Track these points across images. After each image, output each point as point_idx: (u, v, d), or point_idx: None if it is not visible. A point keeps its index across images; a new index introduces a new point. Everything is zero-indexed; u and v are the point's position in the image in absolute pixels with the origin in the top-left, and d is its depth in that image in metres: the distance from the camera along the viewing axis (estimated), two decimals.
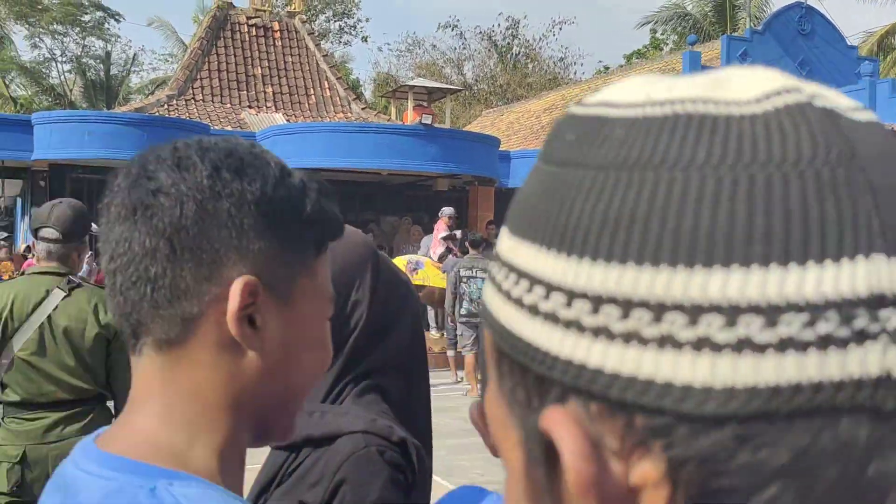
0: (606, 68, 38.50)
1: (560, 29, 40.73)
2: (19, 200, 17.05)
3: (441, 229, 11.90)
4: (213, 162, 0.71)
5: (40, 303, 3.07)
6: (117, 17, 37.94)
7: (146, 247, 0.69)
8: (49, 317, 3.04)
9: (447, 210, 12.28)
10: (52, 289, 3.08)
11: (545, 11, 59.51)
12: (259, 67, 18.01)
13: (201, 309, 0.70)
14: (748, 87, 0.34)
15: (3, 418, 3.13)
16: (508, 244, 0.37)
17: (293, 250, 0.74)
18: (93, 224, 3.27)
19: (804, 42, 19.52)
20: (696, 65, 18.56)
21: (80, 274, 10.40)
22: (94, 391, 3.13)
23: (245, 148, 0.75)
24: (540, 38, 38.52)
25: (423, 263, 11.25)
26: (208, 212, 0.69)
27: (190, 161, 0.71)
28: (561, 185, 0.35)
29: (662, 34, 33.98)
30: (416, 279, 10.60)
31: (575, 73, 38.61)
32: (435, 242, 11.78)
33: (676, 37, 31.67)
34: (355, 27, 39.89)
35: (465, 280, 9.61)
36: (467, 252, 10.50)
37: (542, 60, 38.20)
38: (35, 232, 3.14)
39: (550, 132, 0.40)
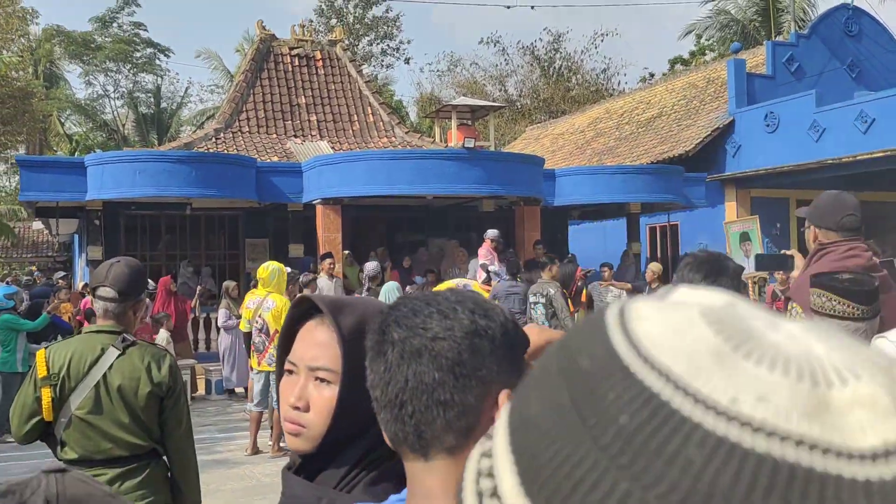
0: (651, 75, 38.19)
1: (602, 40, 40.46)
2: (76, 238, 17.51)
3: (484, 252, 11.87)
4: (467, 309, 0.97)
5: (96, 361, 3.13)
6: (167, 53, 38.86)
7: (435, 379, 0.93)
8: (104, 375, 3.11)
9: (491, 233, 12.26)
10: (107, 347, 3.14)
11: (589, 24, 59.34)
12: (303, 97, 18.24)
13: (479, 420, 0.93)
14: (867, 425, 0.30)
15: None
16: None
17: (519, 365, 0.99)
18: (150, 281, 3.37)
19: (852, 44, 19.11)
20: (740, 72, 18.30)
21: None
22: (149, 447, 3.18)
23: (473, 296, 1.02)
24: (582, 51, 38.40)
25: (471, 286, 11.30)
26: (475, 347, 0.94)
27: (451, 310, 0.96)
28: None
29: (707, 40, 33.59)
30: None
31: (619, 83, 38.39)
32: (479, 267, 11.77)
33: (721, 42, 31.26)
34: (398, 49, 40.21)
35: (532, 305, 9.59)
36: (515, 275, 10.48)
37: (585, 73, 38.05)
38: (93, 290, 3.22)
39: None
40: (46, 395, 3.12)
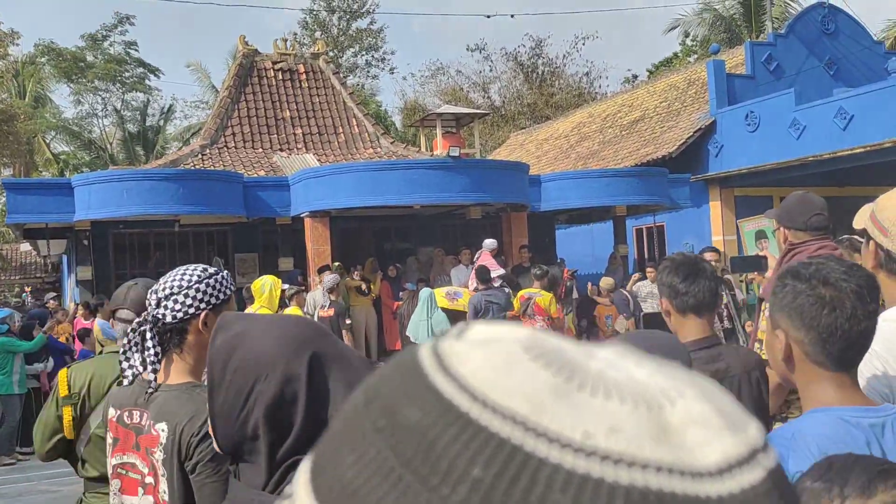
0: (635, 76, 38.42)
1: (583, 44, 40.75)
2: (65, 258, 17.52)
3: (490, 262, 11.86)
4: None
5: (115, 381, 3.15)
6: (157, 74, 38.87)
7: None
8: None
9: (489, 243, 12.29)
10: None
11: (571, 29, 59.56)
12: (287, 110, 18.33)
13: None
14: (704, 442, 0.31)
15: (84, 493, 3.24)
16: None
17: None
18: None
19: (829, 41, 19.34)
20: (720, 73, 18.49)
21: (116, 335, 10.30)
22: None
23: None
24: (564, 56, 38.60)
25: (462, 293, 11.47)
26: None
27: None
28: None
29: (692, 41, 33.75)
30: (458, 306, 10.93)
31: (600, 86, 38.62)
32: (472, 275, 11.84)
33: (706, 43, 31.51)
34: (383, 59, 40.39)
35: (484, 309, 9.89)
36: (486, 281, 10.64)
37: (567, 77, 38.28)
38: (113, 313, 3.26)
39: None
40: (67, 413, 3.18)
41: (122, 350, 2.34)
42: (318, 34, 37.02)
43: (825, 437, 1.52)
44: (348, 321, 11.84)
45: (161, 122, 38.42)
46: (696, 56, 32.52)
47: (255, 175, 15.32)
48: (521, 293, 9.20)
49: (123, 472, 2.39)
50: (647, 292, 12.74)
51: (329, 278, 11.44)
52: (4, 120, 28.23)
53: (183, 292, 2.34)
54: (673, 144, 18.33)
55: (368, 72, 40.46)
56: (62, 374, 3.28)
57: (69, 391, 3.21)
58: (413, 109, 37.22)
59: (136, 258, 15.00)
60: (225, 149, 17.26)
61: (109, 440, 2.45)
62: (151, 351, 2.30)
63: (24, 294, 23.77)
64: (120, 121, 37.19)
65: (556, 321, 9.89)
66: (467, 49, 41.36)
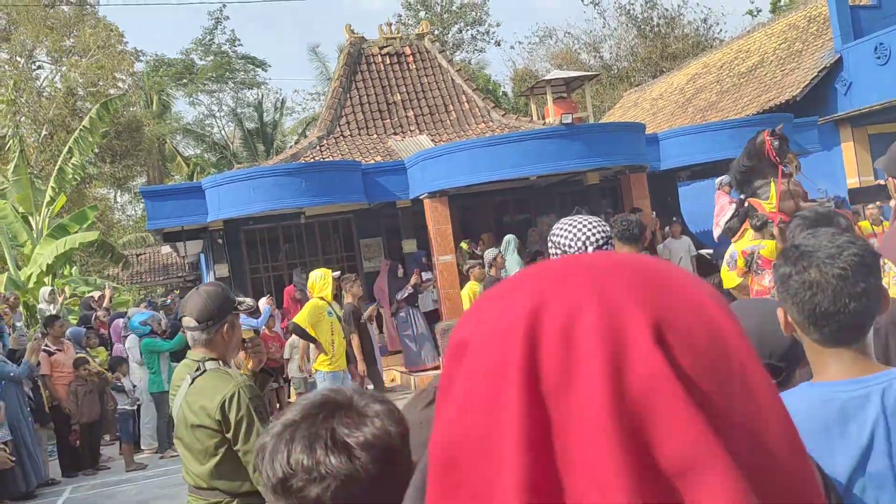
0: (759, 10, 36.86)
1: None
2: (202, 257, 18.38)
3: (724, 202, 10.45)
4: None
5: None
6: (264, 67, 40.08)
7: None
8: (181, 405, 3.14)
9: (724, 179, 10.64)
10: (190, 375, 3.18)
11: None
12: (398, 93, 18.54)
13: None
14: None
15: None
16: None
17: None
18: (241, 298, 3.47)
19: None
20: (843, 6, 17.51)
21: (260, 320, 10.76)
22: (207, 486, 3.08)
23: None
24: (679, 6, 37.31)
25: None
26: None
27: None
28: None
29: None
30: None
31: (720, 31, 37.18)
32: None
33: None
34: (488, 32, 40.24)
35: None
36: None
37: (683, 26, 37.02)
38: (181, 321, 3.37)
39: None
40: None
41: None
42: (421, 14, 37.18)
43: (798, 412, 1.48)
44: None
45: (277, 117, 39.58)
46: None
47: (372, 161, 15.61)
48: (740, 248, 8.28)
49: None
50: None
51: (489, 251, 12.06)
52: (134, 129, 29.82)
53: None
54: (796, 87, 17.50)
55: (475, 46, 40.38)
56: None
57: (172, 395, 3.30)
58: (523, 77, 36.90)
59: (266, 252, 15.59)
60: (341, 137, 17.64)
61: None
62: None
63: (175, 295, 25.11)
64: (237, 119, 38.53)
65: None
66: (582, 2, 40.26)
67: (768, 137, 8.36)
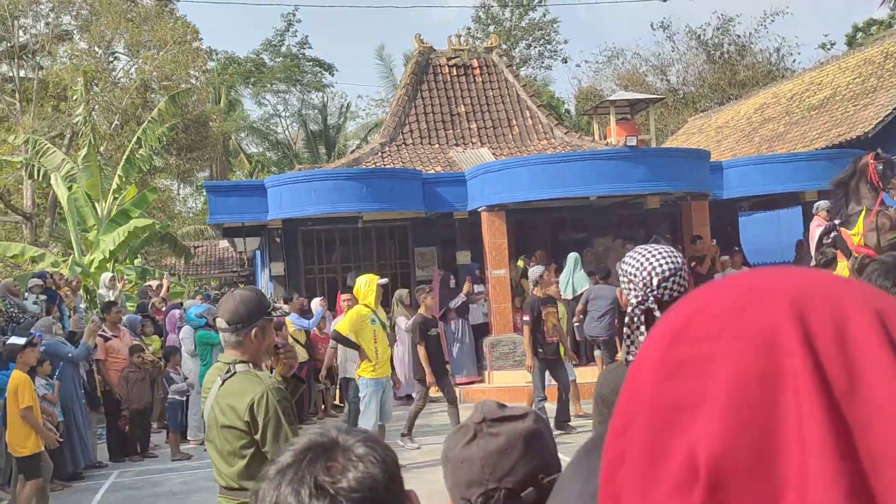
0: (832, 44, 36.18)
1: (773, 20, 38.45)
2: (258, 254, 18.63)
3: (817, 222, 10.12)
4: None
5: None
6: (332, 71, 40.61)
7: None
8: (212, 406, 3.18)
9: (823, 204, 10.40)
10: (220, 377, 3.24)
11: (759, 5, 56.51)
12: (462, 105, 18.61)
13: None
14: None
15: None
16: None
17: None
18: (278, 305, 3.50)
19: None
20: None
21: (312, 321, 10.89)
22: (237, 486, 3.12)
23: None
24: (750, 34, 36.69)
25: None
26: None
27: None
28: None
29: None
30: None
31: (793, 61, 36.53)
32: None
33: None
34: (555, 50, 40.21)
35: None
36: None
37: (755, 54, 36.45)
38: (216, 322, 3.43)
39: None
40: None
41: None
42: (490, 28, 37.28)
43: None
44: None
45: (341, 121, 40.00)
46: None
47: (433, 171, 15.68)
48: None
49: None
50: None
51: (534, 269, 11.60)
52: (202, 123, 30.42)
53: None
54: (868, 123, 17.12)
55: (542, 62, 40.36)
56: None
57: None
58: (587, 96, 36.72)
59: (322, 253, 15.75)
60: (403, 145, 17.76)
61: None
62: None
63: (232, 289, 25.57)
64: (301, 121, 39.04)
65: None
66: (652, 26, 39.85)
67: (872, 161, 7.92)
